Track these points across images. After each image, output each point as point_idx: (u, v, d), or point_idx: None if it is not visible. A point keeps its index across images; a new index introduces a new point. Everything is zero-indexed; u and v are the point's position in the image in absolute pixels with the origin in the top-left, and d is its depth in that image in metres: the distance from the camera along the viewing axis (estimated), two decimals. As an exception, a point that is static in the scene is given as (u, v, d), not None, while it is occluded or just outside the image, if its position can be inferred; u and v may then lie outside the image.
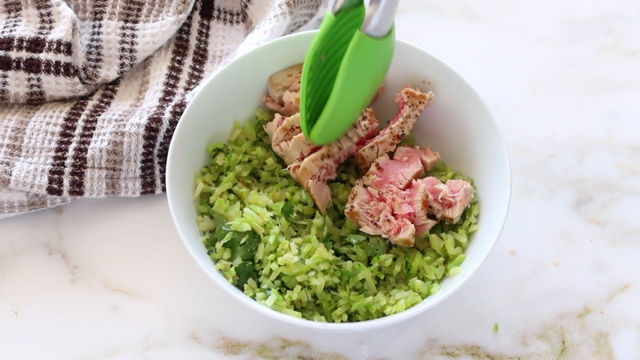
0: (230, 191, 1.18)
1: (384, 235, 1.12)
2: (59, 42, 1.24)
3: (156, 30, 1.30)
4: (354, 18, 1.07)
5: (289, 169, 1.17)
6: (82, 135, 1.23)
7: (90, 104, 1.27)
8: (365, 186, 1.15)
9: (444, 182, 1.16)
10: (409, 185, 1.15)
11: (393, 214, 1.13)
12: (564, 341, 1.17)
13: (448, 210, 1.14)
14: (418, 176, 1.17)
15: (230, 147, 1.22)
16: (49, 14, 1.29)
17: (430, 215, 1.15)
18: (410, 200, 1.13)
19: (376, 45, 1.04)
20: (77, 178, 1.20)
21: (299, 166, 1.15)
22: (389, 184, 1.15)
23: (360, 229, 1.13)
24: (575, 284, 1.20)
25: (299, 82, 1.22)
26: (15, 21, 1.29)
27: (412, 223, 1.12)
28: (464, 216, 1.16)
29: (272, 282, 1.10)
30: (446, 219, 1.15)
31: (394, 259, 1.13)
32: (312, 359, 1.16)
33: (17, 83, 1.26)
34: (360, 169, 1.20)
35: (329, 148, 1.15)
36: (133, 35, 1.30)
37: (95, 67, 1.30)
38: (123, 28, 1.31)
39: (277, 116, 1.20)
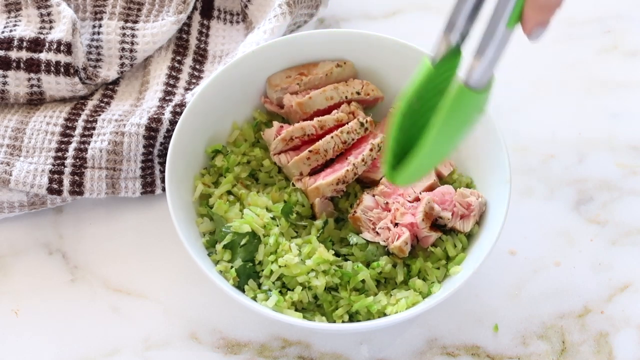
0: (229, 192, 1.18)
1: (382, 243, 1.12)
2: (59, 42, 1.24)
3: (156, 30, 1.30)
4: (449, 63, 1.02)
5: (292, 184, 1.17)
6: (82, 135, 1.23)
7: (90, 104, 1.27)
8: (373, 195, 1.15)
9: (456, 188, 1.16)
10: (417, 199, 1.15)
11: (395, 224, 1.13)
12: (564, 341, 1.17)
13: (459, 222, 1.13)
14: (431, 189, 1.16)
15: (229, 148, 1.22)
16: (49, 14, 1.29)
17: (441, 226, 1.15)
18: (414, 212, 1.13)
19: (475, 97, 1.00)
20: (77, 178, 1.20)
21: (300, 179, 1.17)
22: (398, 195, 1.15)
23: (361, 235, 1.13)
24: (575, 284, 1.20)
25: (297, 84, 1.22)
26: (15, 21, 1.29)
27: (412, 233, 1.12)
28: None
29: (273, 283, 1.10)
30: (457, 231, 1.14)
31: (394, 266, 1.13)
32: (312, 359, 1.16)
33: (17, 83, 1.26)
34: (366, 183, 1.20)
35: (345, 174, 1.15)
36: (133, 35, 1.30)
37: (95, 67, 1.30)
38: (123, 28, 1.31)
39: (276, 124, 1.20)
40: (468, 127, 1.06)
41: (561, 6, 0.96)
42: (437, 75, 1.03)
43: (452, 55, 1.03)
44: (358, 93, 1.22)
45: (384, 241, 1.12)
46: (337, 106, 1.22)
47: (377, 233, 1.13)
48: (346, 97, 1.22)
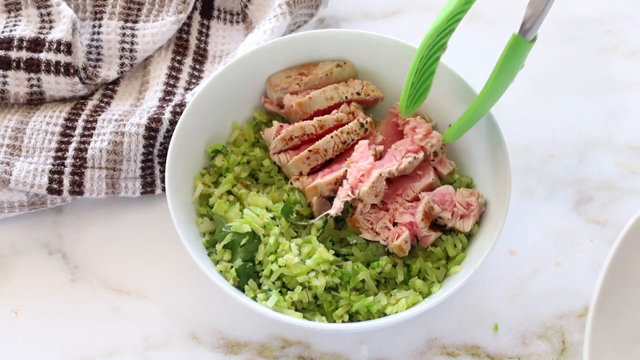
0: (229, 192, 1.18)
1: (382, 242, 1.12)
2: (59, 42, 1.24)
3: (156, 30, 1.30)
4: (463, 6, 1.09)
5: (291, 182, 1.17)
6: (82, 135, 1.23)
7: (90, 104, 1.27)
8: None
9: (456, 188, 1.16)
10: (416, 198, 1.15)
11: (394, 223, 1.13)
12: (564, 341, 1.16)
13: (459, 222, 1.13)
14: (430, 188, 1.16)
15: (228, 148, 1.22)
16: (49, 14, 1.29)
17: (441, 226, 1.15)
18: (414, 212, 1.13)
19: (526, 48, 1.07)
20: (77, 178, 1.20)
21: (298, 178, 1.17)
22: (396, 195, 1.15)
23: (360, 236, 1.13)
24: (575, 284, 1.20)
25: (297, 84, 1.22)
26: (15, 21, 1.29)
27: (412, 233, 1.12)
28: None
29: (273, 283, 1.10)
30: (457, 231, 1.14)
31: (394, 266, 1.13)
32: (312, 359, 1.16)
33: (17, 83, 1.26)
34: None
35: (344, 174, 1.15)
36: (133, 35, 1.30)
37: (95, 67, 1.30)
38: (123, 28, 1.31)
39: (276, 124, 1.20)
40: (511, 79, 1.12)
41: None
42: (456, 14, 1.07)
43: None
44: (358, 93, 1.23)
45: (384, 240, 1.12)
46: (337, 106, 1.22)
47: (377, 233, 1.13)
48: (346, 98, 1.22)
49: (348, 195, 1.12)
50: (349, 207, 1.17)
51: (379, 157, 1.17)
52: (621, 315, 1.08)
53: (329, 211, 1.13)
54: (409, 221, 1.12)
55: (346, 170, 1.15)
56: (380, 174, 1.12)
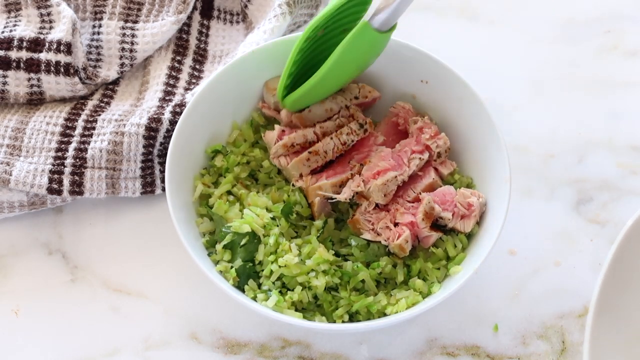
0: (229, 193, 1.18)
1: (383, 242, 1.12)
2: (59, 42, 1.24)
3: (156, 30, 1.30)
4: (358, 5, 1.13)
5: (292, 184, 1.17)
6: (82, 135, 1.23)
7: (90, 104, 1.27)
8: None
9: (457, 188, 1.16)
10: (417, 199, 1.15)
11: (395, 223, 1.13)
12: (564, 341, 1.16)
13: (460, 222, 1.13)
14: (431, 188, 1.16)
15: (228, 148, 1.22)
16: (49, 14, 1.29)
17: (441, 226, 1.15)
18: (415, 212, 1.13)
19: (376, 37, 1.10)
20: (77, 178, 1.20)
21: (299, 180, 1.17)
22: (397, 196, 1.15)
23: (361, 237, 1.13)
24: (575, 284, 1.20)
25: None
26: (15, 21, 1.29)
27: (412, 233, 1.12)
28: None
29: (273, 283, 1.10)
30: (457, 231, 1.14)
31: (394, 266, 1.13)
32: (312, 359, 1.16)
33: (17, 83, 1.26)
34: None
35: (349, 177, 1.15)
36: (133, 35, 1.30)
37: (95, 67, 1.30)
38: (123, 28, 1.31)
39: (277, 128, 1.19)
40: (362, 64, 1.15)
41: None
42: (346, 9, 1.11)
43: None
44: (356, 97, 1.22)
45: (385, 241, 1.12)
46: (336, 114, 1.22)
47: (378, 233, 1.13)
48: (346, 106, 1.22)
49: (359, 185, 1.12)
50: (349, 207, 1.17)
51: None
52: (621, 315, 1.08)
53: (338, 196, 1.13)
54: (409, 221, 1.12)
55: (352, 174, 1.15)
56: (396, 177, 1.12)
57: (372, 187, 1.12)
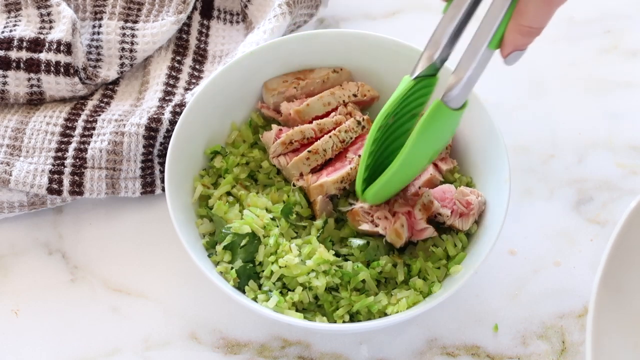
0: (229, 193, 1.18)
1: (381, 232, 1.12)
2: (59, 42, 1.24)
3: (156, 30, 1.30)
4: (425, 87, 1.07)
5: (293, 184, 1.17)
6: (82, 135, 1.23)
7: (90, 104, 1.27)
8: None
9: (456, 187, 1.16)
10: (416, 194, 1.15)
11: (393, 213, 1.13)
12: (564, 341, 1.17)
13: (459, 220, 1.14)
14: (430, 183, 1.16)
15: (227, 149, 1.22)
16: (49, 14, 1.29)
17: (440, 223, 1.15)
18: (412, 204, 1.13)
19: (450, 115, 1.04)
20: (77, 178, 1.20)
21: (299, 179, 1.17)
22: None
23: (359, 227, 1.13)
24: (575, 284, 1.20)
25: (295, 88, 1.22)
26: (15, 21, 1.29)
27: (409, 224, 1.12)
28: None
29: (273, 283, 1.10)
30: (456, 229, 1.14)
31: (394, 265, 1.13)
32: (312, 359, 1.16)
33: (17, 83, 1.26)
34: None
35: (350, 171, 1.15)
36: (133, 35, 1.30)
37: (95, 67, 1.30)
38: (123, 28, 1.31)
39: (275, 127, 1.19)
40: (439, 144, 1.09)
41: (540, 34, 0.96)
42: (414, 91, 1.05)
43: (431, 74, 1.05)
44: (355, 95, 1.23)
45: (383, 230, 1.12)
46: (334, 109, 1.22)
47: (376, 224, 1.13)
48: (343, 101, 1.22)
49: None
50: (349, 204, 1.17)
51: None
52: (621, 312, 1.08)
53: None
54: (407, 210, 1.12)
55: (351, 168, 1.15)
56: None
57: None
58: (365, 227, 1.13)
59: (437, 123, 1.04)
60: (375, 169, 1.11)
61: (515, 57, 1.00)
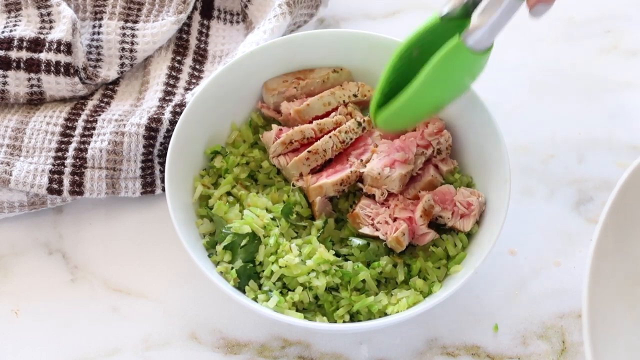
0: (229, 193, 1.18)
1: (381, 237, 1.12)
2: (59, 42, 1.24)
3: (156, 30, 1.30)
4: (456, 28, 1.03)
5: (292, 184, 1.17)
6: (82, 135, 1.23)
7: (90, 104, 1.27)
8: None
9: (456, 187, 1.16)
10: (416, 197, 1.15)
11: (394, 219, 1.13)
12: (564, 341, 1.17)
13: (459, 221, 1.14)
14: (430, 184, 1.17)
15: (227, 149, 1.22)
16: (49, 14, 1.29)
17: (440, 225, 1.15)
18: (413, 209, 1.13)
19: (470, 57, 1.01)
20: (77, 178, 1.20)
21: (299, 179, 1.17)
22: (397, 193, 1.15)
23: (360, 230, 1.13)
24: (575, 284, 1.20)
25: (295, 88, 1.22)
26: (16, 21, 1.29)
27: (410, 229, 1.12)
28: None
29: (274, 283, 1.10)
30: (457, 230, 1.14)
31: (394, 265, 1.13)
32: (312, 359, 1.16)
33: (17, 83, 1.26)
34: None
35: (350, 174, 1.15)
36: (133, 35, 1.30)
37: (95, 67, 1.30)
38: (123, 28, 1.31)
39: (275, 127, 1.19)
40: (457, 85, 1.07)
41: None
42: (442, 30, 1.03)
43: (462, 16, 1.02)
44: (355, 95, 1.23)
45: (383, 235, 1.12)
46: (334, 110, 1.22)
47: (376, 228, 1.13)
48: (344, 102, 1.22)
49: (386, 166, 1.13)
50: (350, 205, 1.17)
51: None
52: (620, 310, 1.08)
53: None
54: (408, 216, 1.12)
55: (351, 171, 1.15)
56: (413, 168, 1.13)
57: (394, 177, 1.12)
58: (366, 230, 1.13)
59: (453, 61, 1.01)
60: (391, 99, 1.09)
61: (541, 10, 0.98)
